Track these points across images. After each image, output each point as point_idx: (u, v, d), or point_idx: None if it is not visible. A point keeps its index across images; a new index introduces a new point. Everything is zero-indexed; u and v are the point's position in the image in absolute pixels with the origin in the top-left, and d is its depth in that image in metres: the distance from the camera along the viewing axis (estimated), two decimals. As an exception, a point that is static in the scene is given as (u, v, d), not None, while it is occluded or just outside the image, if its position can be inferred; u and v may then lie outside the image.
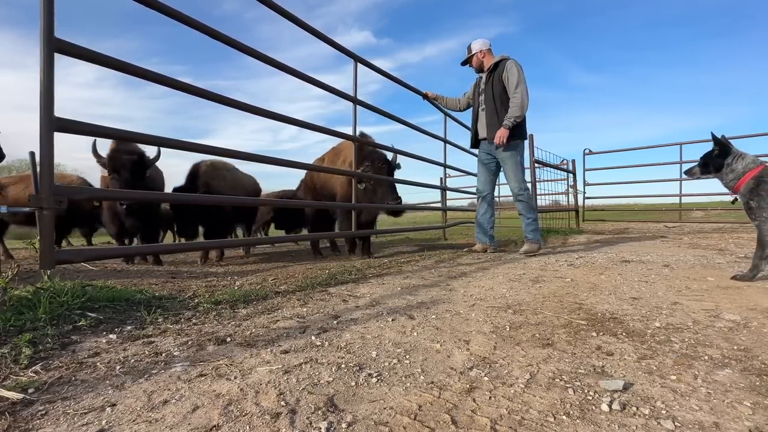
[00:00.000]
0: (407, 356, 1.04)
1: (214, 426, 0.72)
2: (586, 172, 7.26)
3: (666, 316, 1.37)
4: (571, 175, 6.77)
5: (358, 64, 3.05)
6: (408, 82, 3.69)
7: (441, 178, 5.89)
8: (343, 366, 0.98)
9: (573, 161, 6.81)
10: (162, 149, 3.20)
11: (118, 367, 0.98)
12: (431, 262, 2.93)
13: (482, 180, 3.47)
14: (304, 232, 6.08)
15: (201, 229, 4.44)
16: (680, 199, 6.87)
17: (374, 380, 0.90)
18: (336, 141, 3.91)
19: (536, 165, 5.20)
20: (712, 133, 2.04)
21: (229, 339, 1.19)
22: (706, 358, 1.01)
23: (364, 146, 3.47)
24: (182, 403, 0.80)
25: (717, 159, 2.03)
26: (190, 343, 1.16)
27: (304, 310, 1.55)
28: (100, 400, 0.81)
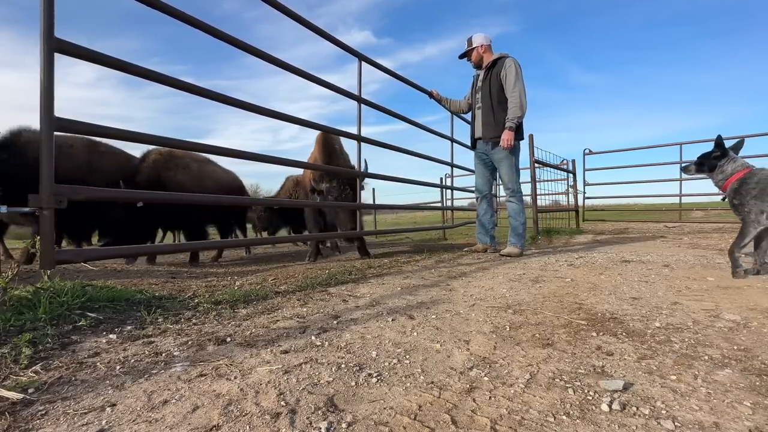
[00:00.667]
0: (407, 356, 1.04)
1: (214, 426, 0.72)
2: (586, 172, 7.27)
3: (666, 316, 1.37)
4: (571, 175, 6.77)
5: (363, 62, 3.04)
6: (403, 85, 3.68)
7: (441, 178, 5.91)
8: (343, 366, 0.98)
9: (573, 161, 6.82)
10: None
11: (118, 367, 0.98)
12: (431, 262, 2.93)
13: (480, 180, 3.44)
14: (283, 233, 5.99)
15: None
16: (680, 199, 6.87)
17: (374, 380, 0.90)
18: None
19: (536, 165, 5.20)
20: (719, 136, 2.16)
21: (229, 339, 1.19)
22: (706, 358, 1.01)
23: (333, 156, 3.35)
24: (182, 403, 0.80)
25: (713, 160, 2.17)
26: (190, 343, 1.16)
27: (304, 310, 1.55)
28: (100, 400, 0.81)
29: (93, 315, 1.38)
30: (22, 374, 0.92)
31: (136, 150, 4.01)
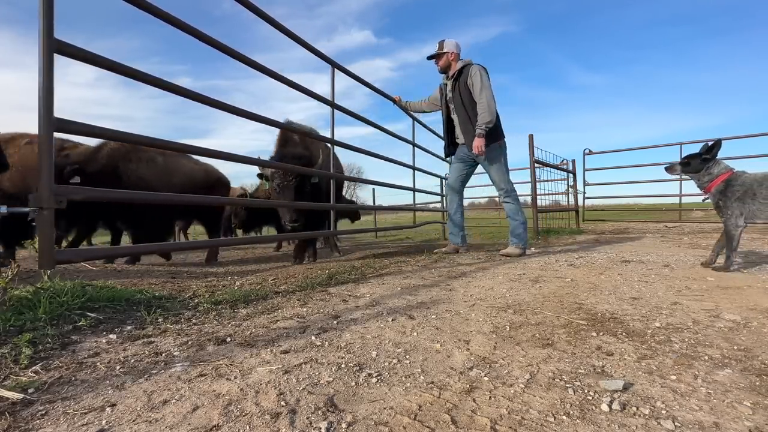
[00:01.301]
0: (407, 356, 1.04)
1: (214, 426, 0.72)
2: (586, 172, 7.26)
3: (666, 316, 1.37)
4: (571, 175, 6.77)
5: (336, 70, 3.01)
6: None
7: (441, 178, 5.89)
8: (343, 366, 0.98)
9: (573, 161, 6.81)
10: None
11: (118, 367, 0.98)
12: (431, 262, 2.93)
13: (454, 175, 3.40)
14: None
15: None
16: (680, 199, 6.87)
17: (374, 380, 0.90)
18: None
19: (536, 165, 5.20)
20: (719, 140, 2.22)
21: (229, 339, 1.19)
22: (706, 358, 1.01)
23: (287, 145, 3.25)
24: (182, 403, 0.80)
25: (701, 162, 2.25)
26: (190, 343, 1.16)
27: (304, 310, 1.55)
28: (100, 400, 0.81)
29: (93, 315, 1.38)
30: (22, 374, 0.92)
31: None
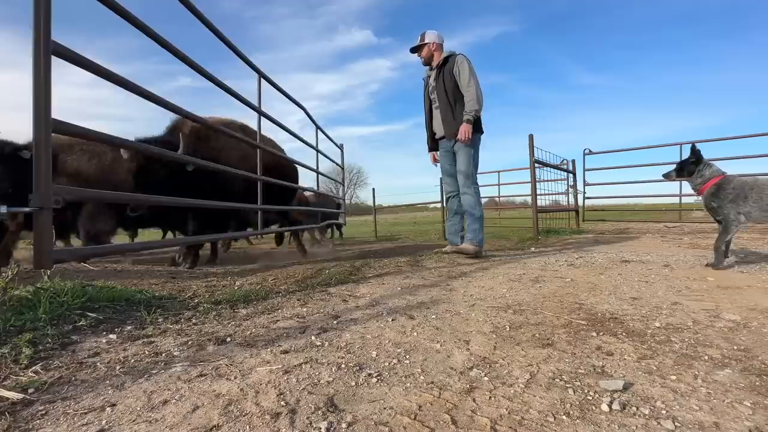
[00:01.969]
0: (407, 356, 1.04)
1: (214, 426, 0.72)
2: (586, 172, 7.26)
3: (666, 316, 1.37)
4: (571, 175, 6.77)
5: (263, 80, 3.03)
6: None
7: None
8: (343, 366, 0.98)
9: (573, 161, 6.81)
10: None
11: (118, 367, 0.98)
12: (431, 262, 2.92)
13: (448, 179, 3.37)
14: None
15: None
16: (680, 199, 6.86)
17: (374, 380, 0.90)
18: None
19: (536, 165, 5.20)
20: (693, 144, 2.46)
21: (229, 339, 1.19)
22: (706, 358, 1.01)
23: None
24: (182, 403, 0.80)
25: (691, 165, 2.43)
26: (190, 343, 1.16)
27: (304, 310, 1.55)
28: (100, 400, 0.81)
29: (93, 315, 1.38)
30: (22, 374, 0.92)
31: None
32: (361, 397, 0.83)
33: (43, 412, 0.77)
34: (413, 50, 3.25)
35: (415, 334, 1.23)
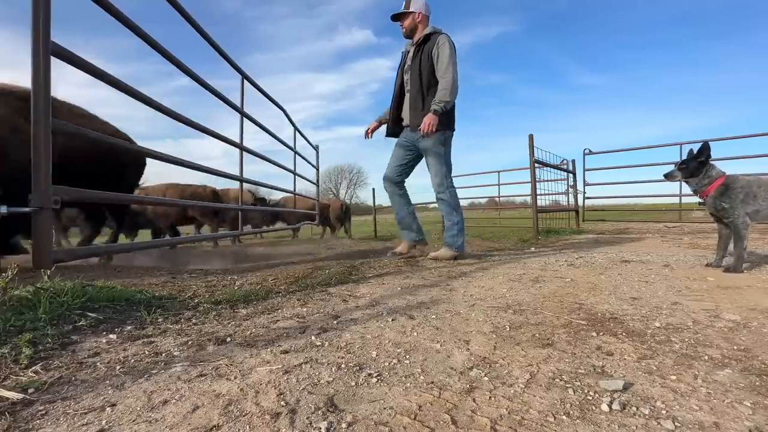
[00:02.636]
0: (407, 356, 1.04)
1: (214, 426, 0.72)
2: (586, 172, 7.26)
3: (666, 316, 1.37)
4: (571, 175, 6.77)
5: (246, 81, 3.02)
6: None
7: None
8: (343, 366, 0.98)
9: (573, 161, 6.81)
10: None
11: (118, 367, 0.98)
12: (431, 262, 2.92)
13: (393, 163, 2.93)
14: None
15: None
16: (680, 199, 6.86)
17: (374, 380, 0.90)
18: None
19: (536, 165, 5.20)
20: (706, 142, 2.27)
21: (229, 339, 1.19)
22: (706, 358, 1.01)
23: None
24: (182, 403, 0.80)
25: (699, 165, 2.30)
26: (190, 343, 1.16)
27: (304, 310, 1.55)
28: (100, 400, 0.81)
29: (93, 315, 1.38)
30: (22, 374, 0.92)
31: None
32: (361, 397, 0.83)
33: (43, 412, 0.77)
34: (394, 18, 2.82)
35: (415, 334, 1.23)
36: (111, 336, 1.21)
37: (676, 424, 0.71)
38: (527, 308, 1.51)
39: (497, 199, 8.97)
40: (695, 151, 2.31)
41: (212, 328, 1.32)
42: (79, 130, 1.39)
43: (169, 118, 1.95)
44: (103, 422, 0.73)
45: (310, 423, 0.72)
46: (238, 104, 2.92)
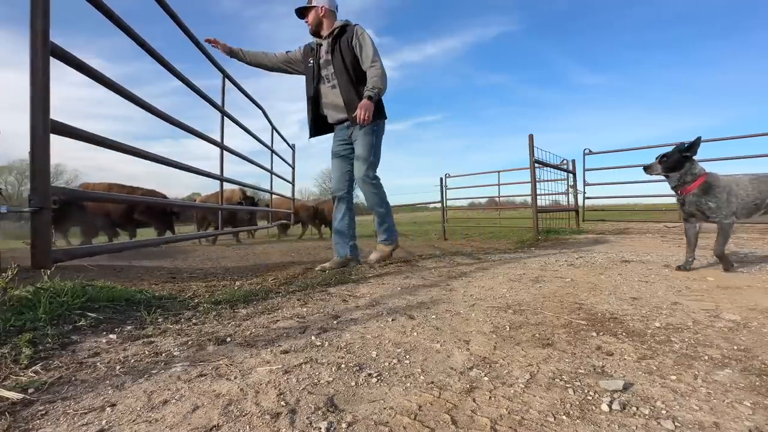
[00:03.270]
0: (407, 356, 1.04)
1: (214, 426, 0.72)
2: (586, 172, 7.25)
3: (666, 316, 1.37)
4: (571, 175, 6.77)
5: (227, 80, 2.97)
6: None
7: (441, 178, 5.88)
8: (343, 366, 0.98)
9: (573, 161, 6.81)
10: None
11: (118, 367, 0.98)
12: (431, 262, 2.92)
13: (338, 176, 2.77)
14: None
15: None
16: (680, 199, 6.84)
17: (374, 380, 0.90)
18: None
19: (536, 165, 5.20)
20: (699, 137, 2.19)
21: (229, 339, 1.19)
22: (706, 358, 1.01)
23: None
24: (182, 403, 0.80)
25: (684, 160, 2.20)
26: (190, 343, 1.16)
27: (304, 310, 1.55)
28: (100, 400, 0.81)
29: (93, 315, 1.38)
30: (22, 374, 0.92)
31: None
32: (361, 397, 0.83)
33: (43, 412, 0.77)
34: (299, 14, 2.68)
35: (415, 334, 1.23)
36: (111, 336, 1.21)
37: (676, 424, 0.71)
38: (527, 308, 1.51)
39: (497, 199, 8.98)
40: (685, 145, 2.20)
41: (212, 328, 1.32)
42: (79, 131, 1.38)
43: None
44: (103, 422, 0.73)
45: (310, 423, 0.72)
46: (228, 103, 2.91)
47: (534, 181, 5.12)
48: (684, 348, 1.08)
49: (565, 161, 6.59)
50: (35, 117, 1.16)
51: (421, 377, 0.92)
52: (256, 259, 3.93)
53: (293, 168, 5.73)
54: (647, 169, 2.36)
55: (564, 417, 0.74)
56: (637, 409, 0.76)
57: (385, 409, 0.78)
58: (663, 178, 2.36)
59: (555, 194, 6.58)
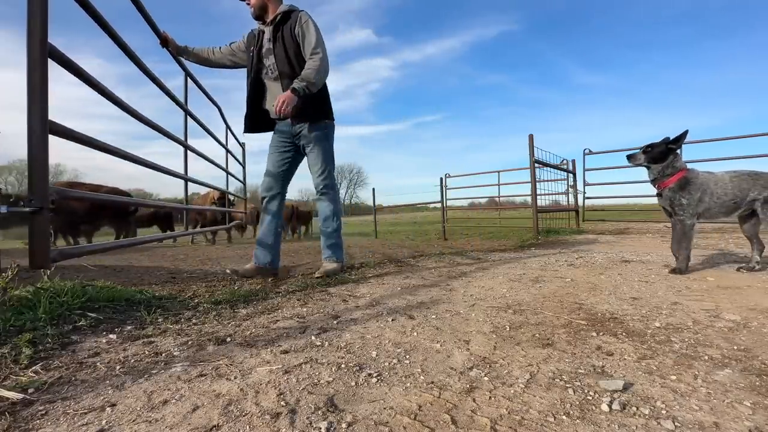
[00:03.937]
0: (407, 356, 1.04)
1: (214, 426, 0.72)
2: (586, 172, 7.26)
3: (666, 316, 1.37)
4: (571, 175, 6.77)
5: (189, 78, 2.93)
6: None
7: (441, 178, 5.88)
8: (343, 366, 0.98)
9: (573, 161, 6.81)
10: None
11: (118, 367, 0.98)
12: (431, 262, 2.93)
13: (273, 169, 2.42)
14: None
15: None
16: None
17: (374, 380, 0.90)
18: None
19: (536, 165, 5.20)
20: (686, 130, 2.15)
21: (229, 339, 1.19)
22: (706, 358, 1.01)
23: None
24: (182, 403, 0.80)
25: (667, 152, 2.16)
26: (190, 343, 1.16)
27: (304, 310, 1.55)
28: (100, 400, 0.81)
29: (93, 315, 1.38)
30: (22, 374, 0.92)
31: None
32: (361, 397, 0.83)
33: (43, 412, 0.77)
34: None
35: (415, 334, 1.23)
36: (111, 336, 1.21)
37: (676, 424, 0.71)
38: (527, 308, 1.51)
39: (497, 199, 8.97)
40: (671, 138, 2.17)
41: (212, 328, 1.32)
42: (77, 133, 1.38)
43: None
44: (103, 422, 0.73)
45: (310, 423, 0.72)
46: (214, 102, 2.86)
47: (534, 181, 5.12)
48: (684, 348, 1.08)
49: (565, 161, 6.59)
50: (32, 118, 1.16)
51: (421, 377, 0.92)
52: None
53: (244, 167, 5.57)
54: (630, 158, 2.33)
55: (564, 417, 0.74)
56: (637, 409, 0.76)
57: (385, 409, 0.78)
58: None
59: (555, 194, 6.58)
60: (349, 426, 0.72)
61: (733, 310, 1.41)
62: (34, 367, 0.96)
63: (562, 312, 1.45)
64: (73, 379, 0.92)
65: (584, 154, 7.24)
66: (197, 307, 1.58)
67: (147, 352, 1.08)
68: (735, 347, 1.07)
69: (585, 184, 7.26)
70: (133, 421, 0.74)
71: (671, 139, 2.17)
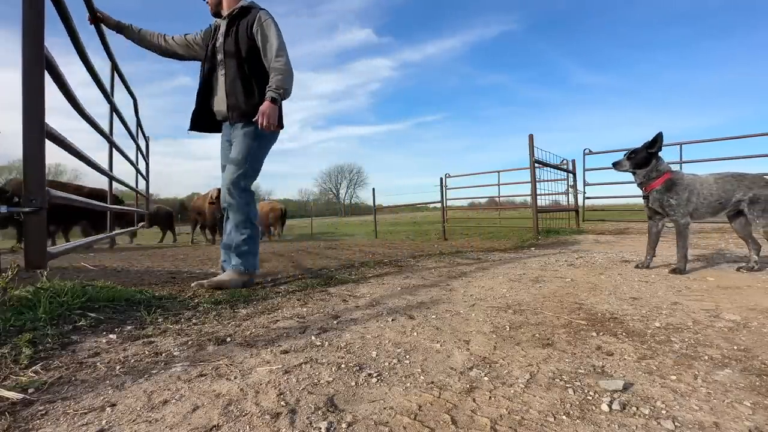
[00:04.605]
0: (407, 356, 1.04)
1: (214, 426, 0.72)
2: (586, 172, 7.26)
3: (666, 316, 1.37)
4: (571, 175, 6.77)
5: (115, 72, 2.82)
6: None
7: (441, 178, 5.85)
8: (343, 366, 0.98)
9: (573, 161, 6.81)
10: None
11: (118, 367, 0.98)
12: (431, 262, 2.93)
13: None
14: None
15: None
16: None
17: (374, 380, 0.90)
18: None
19: (536, 165, 5.20)
20: (660, 132, 2.20)
21: (229, 339, 1.19)
22: (706, 358, 1.01)
23: None
24: (182, 403, 0.80)
25: (650, 156, 2.23)
26: (190, 343, 1.16)
27: (304, 310, 1.55)
28: (100, 400, 0.81)
29: (93, 315, 1.38)
30: (22, 374, 0.92)
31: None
32: (361, 397, 0.83)
33: (43, 412, 0.77)
34: None
35: (415, 334, 1.23)
36: (111, 336, 1.21)
37: (676, 424, 0.71)
38: (527, 308, 1.51)
39: (497, 199, 8.98)
40: (648, 141, 2.22)
41: (212, 328, 1.32)
42: (69, 143, 1.38)
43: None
44: (103, 422, 0.73)
45: (310, 423, 0.72)
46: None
47: (534, 181, 5.13)
48: (684, 348, 1.08)
49: (565, 161, 6.59)
50: (29, 120, 1.16)
51: (421, 377, 0.92)
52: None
53: (147, 162, 4.90)
54: (616, 165, 2.39)
55: (564, 417, 0.74)
56: (637, 409, 0.76)
57: (385, 409, 0.78)
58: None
59: (555, 194, 6.58)
60: (349, 426, 0.72)
61: (733, 310, 1.41)
62: (34, 367, 0.96)
63: (562, 312, 1.45)
64: (73, 379, 0.92)
65: (584, 154, 7.24)
66: (197, 307, 1.58)
67: (147, 352, 1.08)
68: (735, 347, 1.07)
69: (585, 184, 7.26)
70: (133, 421, 0.74)
71: (647, 143, 2.23)
